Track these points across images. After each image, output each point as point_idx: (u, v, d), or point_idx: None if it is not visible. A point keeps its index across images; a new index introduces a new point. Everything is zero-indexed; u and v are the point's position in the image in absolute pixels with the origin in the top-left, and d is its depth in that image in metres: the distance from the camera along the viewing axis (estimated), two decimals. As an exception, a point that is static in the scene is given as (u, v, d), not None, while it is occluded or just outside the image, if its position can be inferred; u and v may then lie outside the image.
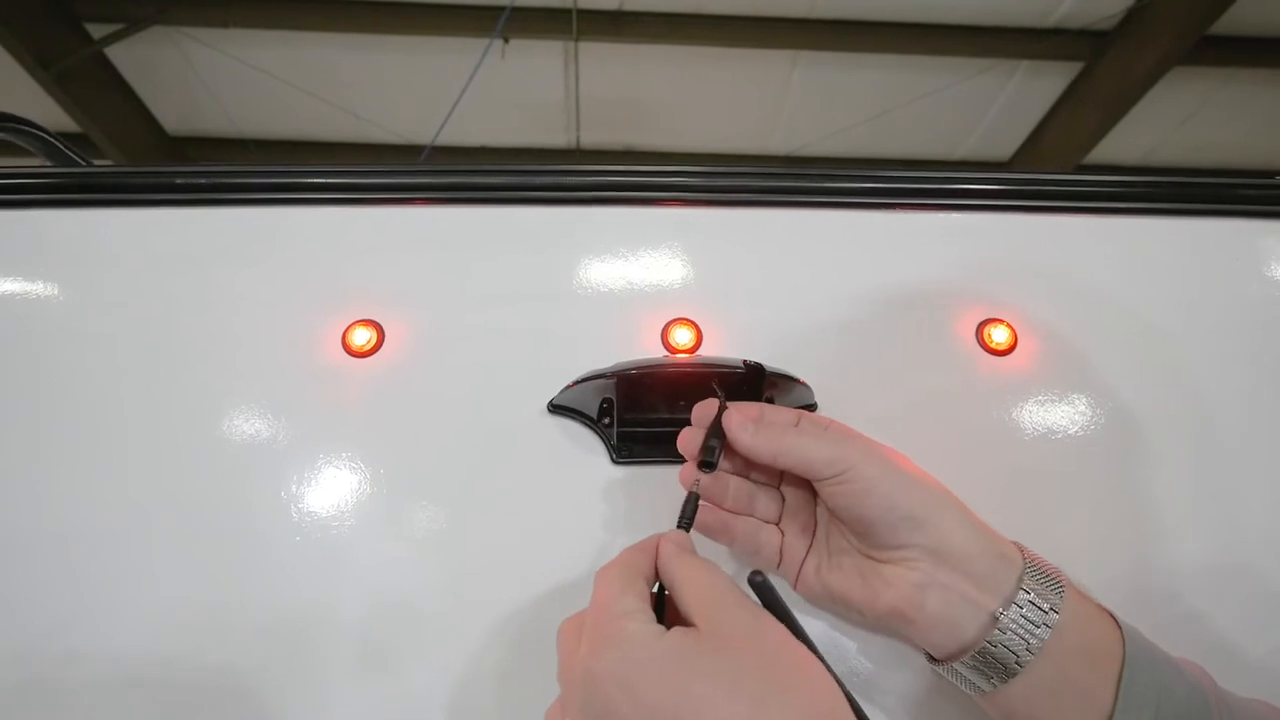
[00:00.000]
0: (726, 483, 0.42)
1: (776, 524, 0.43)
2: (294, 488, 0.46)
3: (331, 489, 0.46)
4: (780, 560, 0.43)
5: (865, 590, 0.39)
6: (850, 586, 0.40)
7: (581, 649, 0.32)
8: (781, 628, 0.33)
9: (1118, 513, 0.48)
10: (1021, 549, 0.39)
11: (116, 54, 3.19)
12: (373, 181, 0.54)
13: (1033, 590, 0.36)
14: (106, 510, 0.46)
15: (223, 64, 3.25)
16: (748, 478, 0.43)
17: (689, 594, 0.34)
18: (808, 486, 0.42)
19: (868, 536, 0.39)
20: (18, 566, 0.45)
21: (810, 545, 0.42)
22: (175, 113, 3.62)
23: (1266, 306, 0.53)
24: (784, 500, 0.43)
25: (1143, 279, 0.53)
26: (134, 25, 2.99)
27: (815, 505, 0.43)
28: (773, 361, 0.45)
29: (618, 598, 0.33)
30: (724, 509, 0.42)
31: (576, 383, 0.46)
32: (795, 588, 0.43)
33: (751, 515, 0.43)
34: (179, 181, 0.53)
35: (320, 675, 0.44)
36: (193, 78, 3.35)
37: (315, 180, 0.54)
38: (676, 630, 0.32)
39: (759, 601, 0.35)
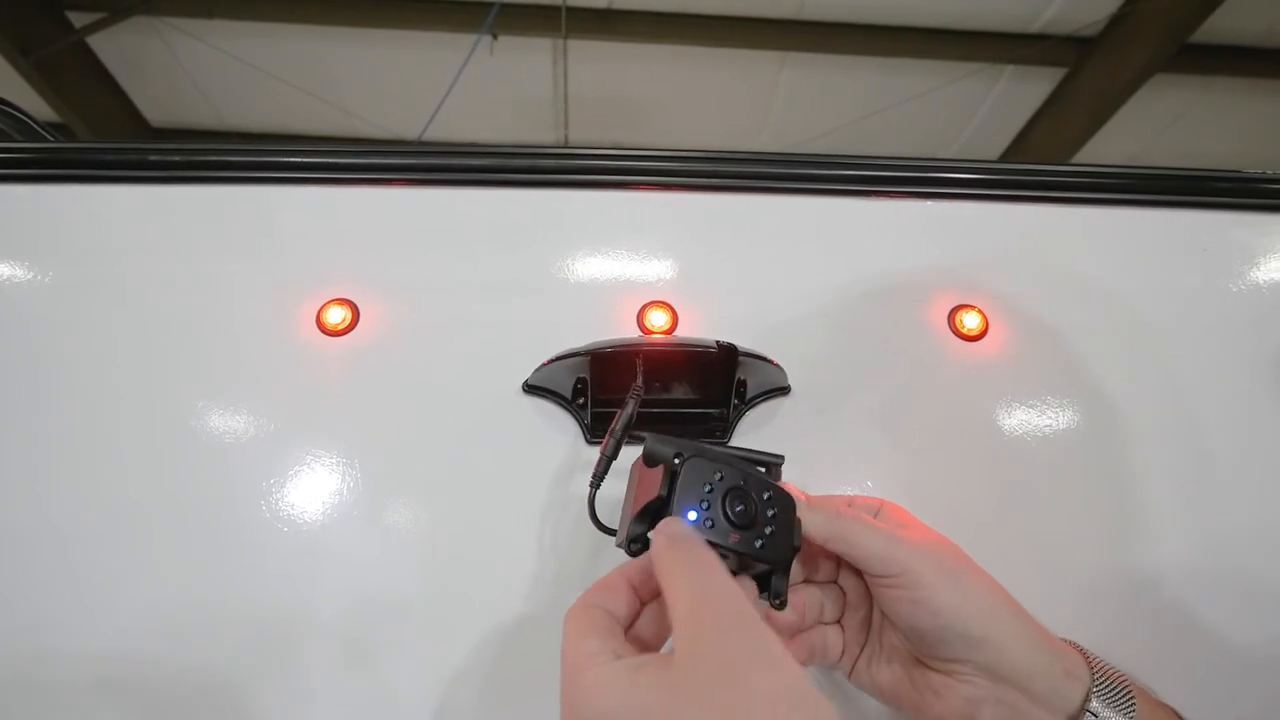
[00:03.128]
0: (802, 598, 0.40)
1: (839, 622, 0.41)
2: (269, 474, 0.46)
3: (307, 475, 0.46)
4: (841, 655, 0.41)
5: (914, 695, 0.38)
6: (900, 689, 0.38)
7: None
8: (762, 641, 0.28)
9: (1092, 493, 0.48)
10: (1087, 659, 0.37)
11: (99, 43, 3.15)
12: (348, 162, 0.54)
13: (1100, 711, 0.35)
14: (82, 505, 0.45)
15: (207, 55, 3.22)
16: (812, 580, 0.42)
17: (673, 606, 0.30)
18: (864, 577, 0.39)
19: (919, 644, 0.37)
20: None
21: (866, 640, 0.41)
22: (158, 104, 3.58)
23: (1235, 295, 0.54)
24: (845, 595, 0.41)
25: (1113, 267, 0.54)
26: (117, 14, 2.95)
27: (872, 598, 0.40)
28: (747, 345, 0.45)
29: (577, 642, 0.31)
30: (799, 629, 0.40)
31: (551, 361, 0.46)
32: (850, 678, 0.41)
33: (820, 623, 0.41)
34: (153, 159, 0.53)
35: (301, 668, 0.43)
36: (177, 69, 3.31)
37: (291, 160, 0.53)
38: (645, 669, 0.29)
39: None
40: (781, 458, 0.39)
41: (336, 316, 0.49)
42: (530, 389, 0.48)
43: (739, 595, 0.30)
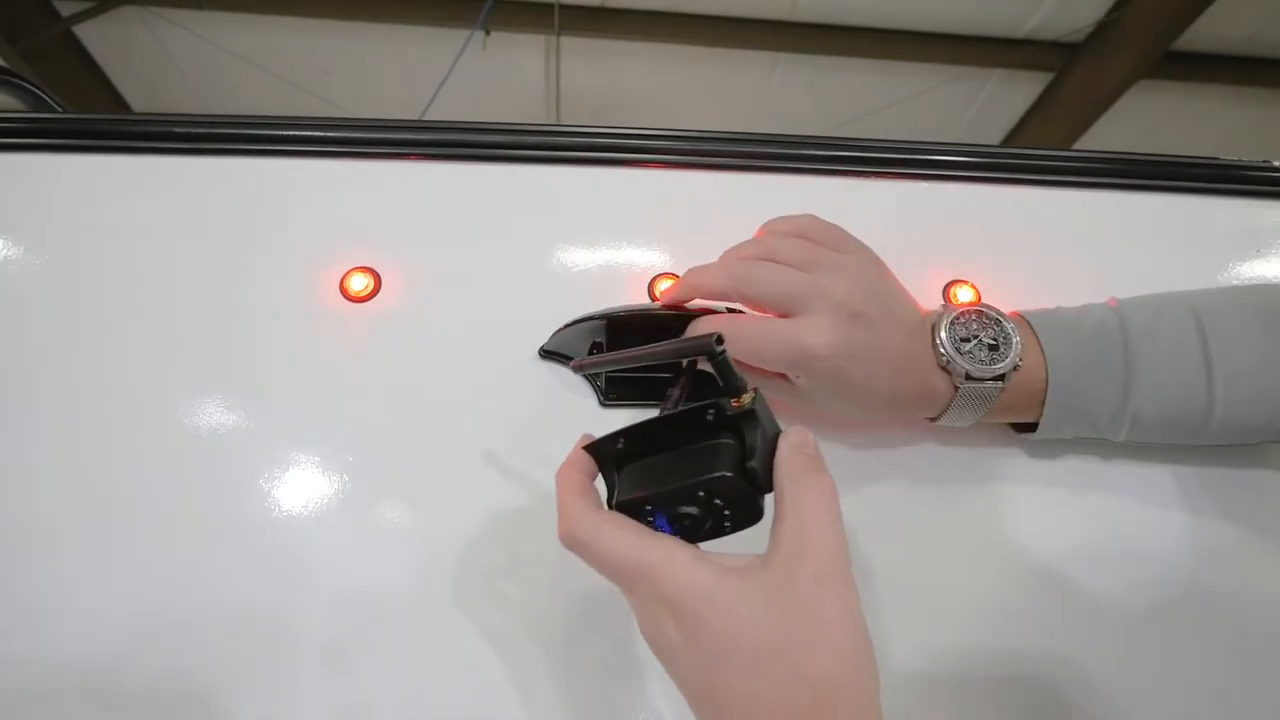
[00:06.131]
0: None
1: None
2: (285, 448, 0.47)
3: (321, 447, 0.47)
4: None
5: None
6: None
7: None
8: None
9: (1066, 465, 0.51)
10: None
11: (86, 32, 3.12)
12: (369, 136, 0.55)
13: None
14: (82, 501, 0.45)
15: (196, 47, 3.20)
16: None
17: (793, 527, 0.32)
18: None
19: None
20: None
21: None
22: (146, 95, 3.55)
23: (1208, 271, 0.57)
24: None
25: (1100, 249, 0.57)
26: (105, 3, 2.94)
27: None
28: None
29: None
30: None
31: (567, 326, 0.48)
32: None
33: None
34: (178, 130, 0.54)
35: (308, 651, 0.43)
36: (165, 60, 3.30)
37: (314, 134, 0.55)
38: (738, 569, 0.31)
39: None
40: (713, 402, 0.34)
41: (360, 284, 0.51)
42: (546, 354, 0.50)
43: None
